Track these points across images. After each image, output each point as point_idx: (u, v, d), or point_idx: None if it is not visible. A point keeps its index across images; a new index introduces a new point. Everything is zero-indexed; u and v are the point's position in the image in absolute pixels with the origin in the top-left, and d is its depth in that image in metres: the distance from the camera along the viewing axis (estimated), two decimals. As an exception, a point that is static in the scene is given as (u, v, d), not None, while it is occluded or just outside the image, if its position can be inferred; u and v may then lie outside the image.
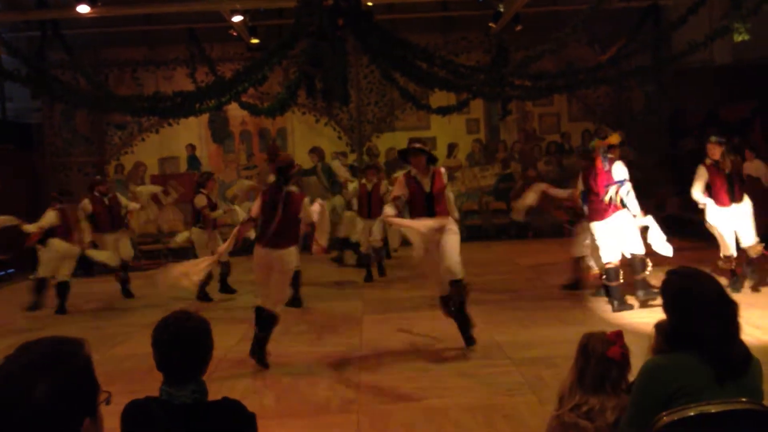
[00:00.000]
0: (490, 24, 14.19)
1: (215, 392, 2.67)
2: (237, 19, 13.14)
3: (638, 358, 2.75)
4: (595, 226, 8.05)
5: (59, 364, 1.61)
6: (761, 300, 7.99)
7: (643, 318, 7.33)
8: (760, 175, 12.17)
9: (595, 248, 8.35)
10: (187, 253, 15.03)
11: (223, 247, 6.88)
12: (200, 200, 10.07)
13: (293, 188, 6.81)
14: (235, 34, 14.12)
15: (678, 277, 2.63)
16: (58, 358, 1.62)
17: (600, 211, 7.93)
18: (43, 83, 11.13)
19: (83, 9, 11.95)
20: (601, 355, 2.96)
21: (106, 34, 15.18)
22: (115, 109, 12.57)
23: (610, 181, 7.85)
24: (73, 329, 8.47)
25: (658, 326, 2.64)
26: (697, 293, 2.53)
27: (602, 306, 8.34)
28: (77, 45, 13.85)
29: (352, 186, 12.12)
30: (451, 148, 16.36)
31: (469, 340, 6.82)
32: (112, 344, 7.67)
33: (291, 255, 6.71)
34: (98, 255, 10.24)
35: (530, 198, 8.97)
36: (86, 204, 10.32)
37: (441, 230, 6.61)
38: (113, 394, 1.84)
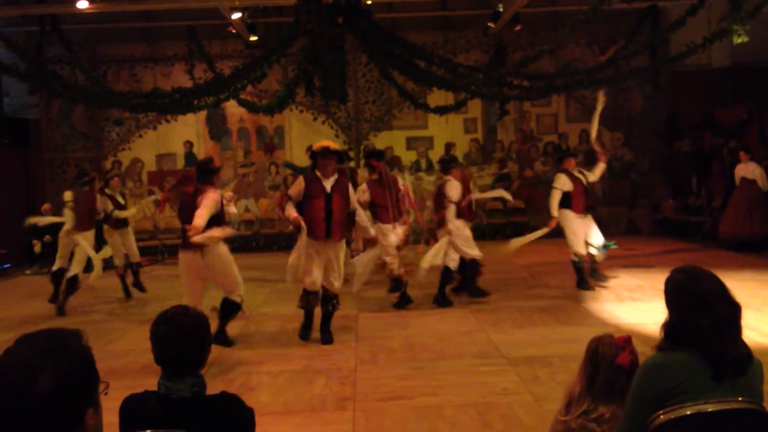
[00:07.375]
0: (489, 24, 14.19)
1: (212, 388, 2.66)
2: (236, 16, 13.13)
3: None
4: None
5: (61, 354, 1.61)
6: (757, 302, 8.00)
7: (640, 319, 7.37)
8: (755, 177, 12.22)
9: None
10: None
11: None
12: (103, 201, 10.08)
13: None
14: (234, 31, 14.12)
15: (680, 274, 2.65)
16: (59, 349, 1.62)
17: None
18: (41, 79, 11.11)
19: (82, 4, 11.95)
20: (611, 362, 2.87)
21: (105, 30, 15.19)
22: (113, 105, 12.57)
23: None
24: (69, 324, 8.42)
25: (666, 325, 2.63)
26: (695, 290, 2.53)
27: (599, 306, 8.37)
28: (76, 41, 13.80)
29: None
30: (448, 147, 16.35)
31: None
32: (108, 340, 7.66)
33: None
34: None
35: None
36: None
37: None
38: (110, 389, 1.84)
